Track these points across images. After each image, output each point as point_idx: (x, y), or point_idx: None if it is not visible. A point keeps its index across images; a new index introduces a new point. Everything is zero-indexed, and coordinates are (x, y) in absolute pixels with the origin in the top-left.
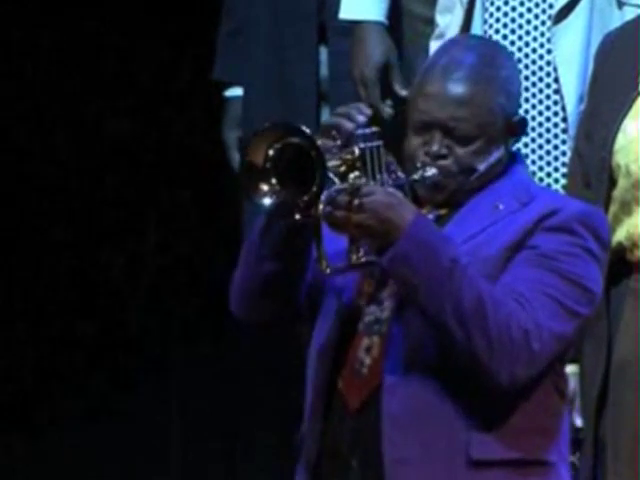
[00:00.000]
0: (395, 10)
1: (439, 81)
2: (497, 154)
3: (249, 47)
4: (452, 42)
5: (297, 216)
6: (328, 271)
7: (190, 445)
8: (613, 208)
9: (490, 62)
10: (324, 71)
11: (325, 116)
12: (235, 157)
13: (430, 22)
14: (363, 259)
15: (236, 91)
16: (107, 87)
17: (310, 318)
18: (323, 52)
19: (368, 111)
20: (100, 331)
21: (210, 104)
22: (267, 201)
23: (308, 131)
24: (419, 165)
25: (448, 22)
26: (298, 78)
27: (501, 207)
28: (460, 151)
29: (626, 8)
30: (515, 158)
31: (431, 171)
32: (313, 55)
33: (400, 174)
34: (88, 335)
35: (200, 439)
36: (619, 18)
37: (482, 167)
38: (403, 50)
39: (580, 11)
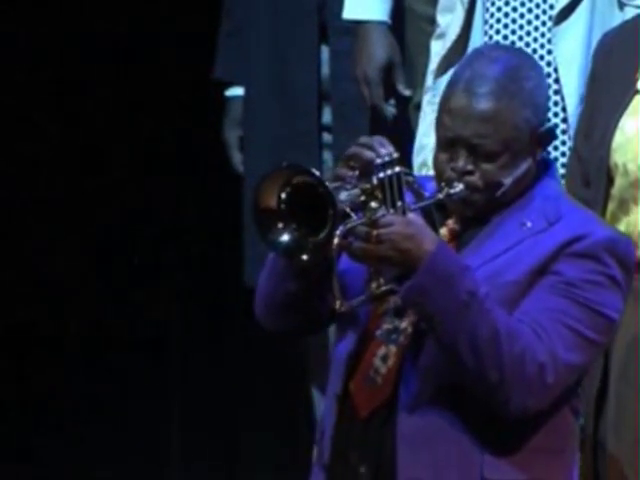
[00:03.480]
0: (398, 9)
1: (463, 97)
2: (524, 167)
3: (249, 47)
4: (476, 54)
5: (306, 256)
6: (343, 309)
7: (190, 445)
8: (611, 206)
9: (515, 75)
10: (325, 70)
11: (326, 116)
12: (236, 157)
13: (433, 21)
14: (383, 287)
15: (236, 91)
16: (106, 87)
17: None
18: (324, 51)
19: (390, 148)
20: (99, 330)
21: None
22: (285, 239)
23: (314, 171)
24: (443, 184)
25: (449, 22)
26: (299, 78)
27: (528, 224)
28: (486, 167)
29: (627, 9)
30: (548, 168)
31: (458, 187)
32: (314, 55)
33: (425, 193)
34: (87, 334)
35: (200, 439)
36: (620, 19)
37: (508, 181)
38: (406, 49)
39: (581, 12)
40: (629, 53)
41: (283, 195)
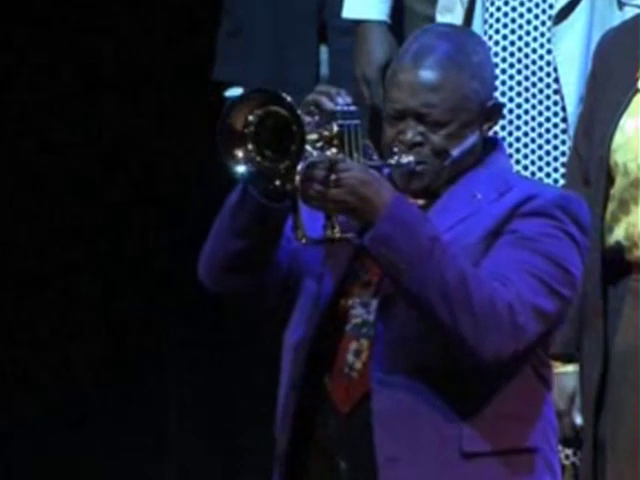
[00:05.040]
0: (397, 8)
1: (410, 69)
2: (472, 139)
3: (249, 47)
4: (423, 30)
5: (272, 185)
6: (304, 241)
7: (188, 443)
8: (611, 207)
9: (461, 48)
10: (324, 70)
11: None
12: None
13: (432, 20)
14: (338, 235)
15: (236, 91)
16: (105, 87)
17: (283, 302)
18: (324, 51)
19: (349, 99)
20: (98, 328)
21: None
22: (242, 168)
23: (291, 100)
24: (395, 150)
25: (448, 22)
26: (298, 78)
27: (479, 196)
28: (434, 137)
29: (626, 9)
30: (496, 145)
31: (407, 158)
32: (313, 55)
33: (376, 158)
34: (85, 332)
35: (198, 437)
36: (620, 18)
37: (456, 152)
38: None
39: (580, 11)
40: (629, 53)
41: (251, 118)
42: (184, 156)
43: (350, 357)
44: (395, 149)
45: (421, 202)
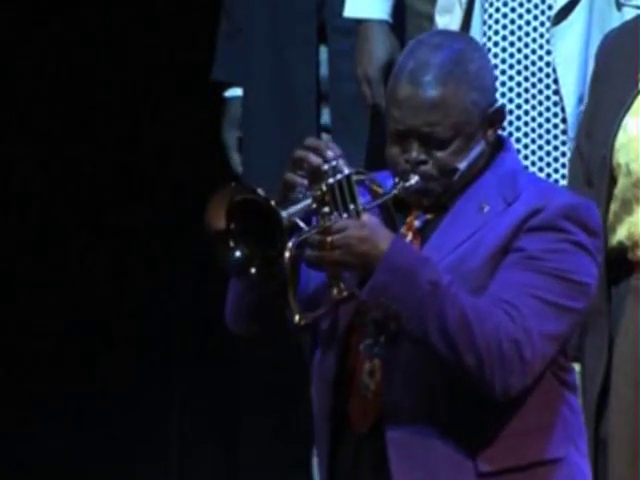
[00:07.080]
0: (399, 8)
1: (408, 87)
2: (477, 149)
3: (249, 47)
4: (417, 43)
5: (253, 271)
6: (303, 322)
7: (190, 444)
8: (614, 207)
9: (458, 59)
10: (324, 71)
11: (325, 116)
12: (235, 158)
13: (433, 19)
14: (345, 293)
15: (236, 91)
16: (104, 88)
17: (309, 329)
18: (323, 52)
19: (338, 150)
20: (99, 328)
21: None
22: (236, 257)
23: (256, 189)
24: (397, 179)
25: (447, 23)
26: (298, 78)
27: (487, 209)
28: (439, 154)
29: (625, 9)
30: (502, 144)
31: (413, 179)
32: (313, 55)
33: (380, 190)
34: (86, 332)
35: (200, 437)
36: (618, 19)
37: (463, 165)
38: None
39: (579, 12)
40: (631, 54)
41: (231, 215)
42: (184, 156)
43: (365, 378)
44: (397, 178)
45: (429, 216)
